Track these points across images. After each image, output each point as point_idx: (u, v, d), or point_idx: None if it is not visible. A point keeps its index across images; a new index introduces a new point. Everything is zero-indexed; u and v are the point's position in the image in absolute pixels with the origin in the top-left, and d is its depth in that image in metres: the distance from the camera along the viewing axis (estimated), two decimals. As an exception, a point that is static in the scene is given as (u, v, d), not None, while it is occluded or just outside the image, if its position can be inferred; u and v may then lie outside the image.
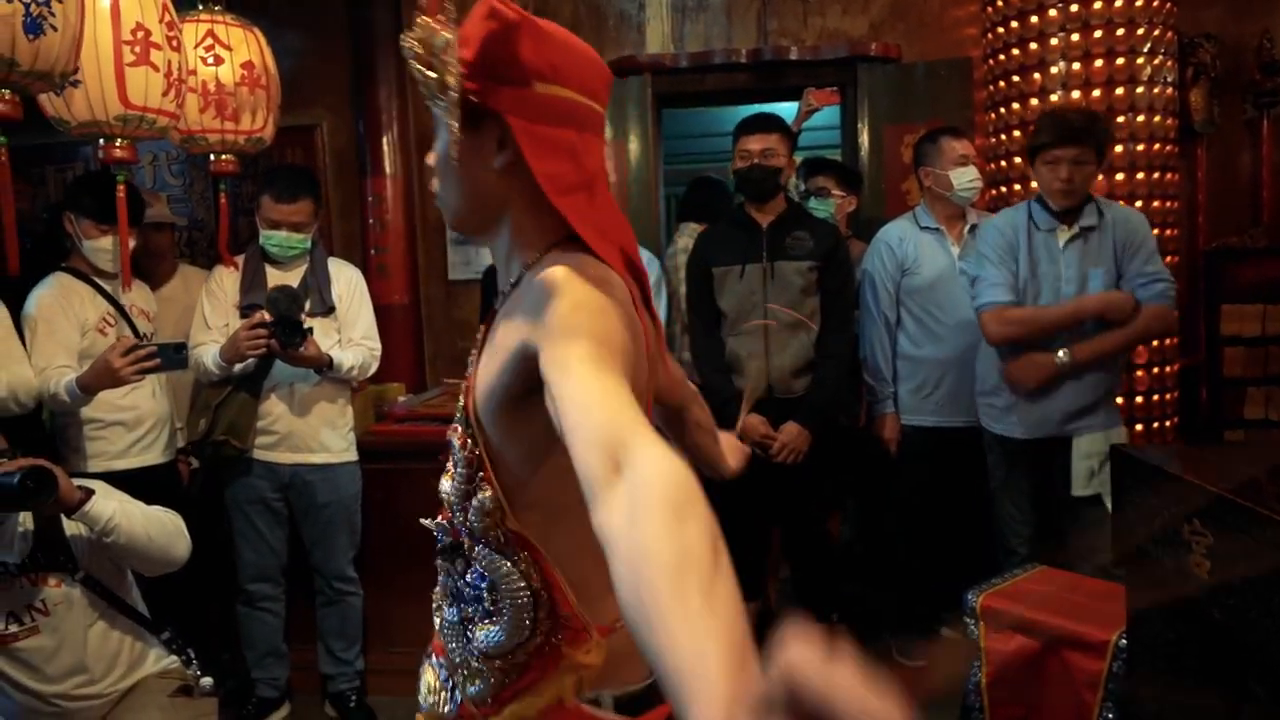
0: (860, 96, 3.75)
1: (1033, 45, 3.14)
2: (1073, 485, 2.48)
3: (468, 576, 0.99)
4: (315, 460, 2.60)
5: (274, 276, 2.61)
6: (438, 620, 1.07)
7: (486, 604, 0.97)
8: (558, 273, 0.86)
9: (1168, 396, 3.20)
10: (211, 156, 2.60)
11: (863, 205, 3.38)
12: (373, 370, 2.69)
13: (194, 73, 2.39)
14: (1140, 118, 3.05)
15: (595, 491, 0.64)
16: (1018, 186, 3.25)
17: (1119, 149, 3.02)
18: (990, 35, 3.34)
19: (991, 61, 3.35)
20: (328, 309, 2.59)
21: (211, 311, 2.59)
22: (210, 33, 2.50)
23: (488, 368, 0.94)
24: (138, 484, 2.18)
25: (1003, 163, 3.32)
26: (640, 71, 3.78)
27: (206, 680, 2.05)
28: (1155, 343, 3.10)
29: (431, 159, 1.02)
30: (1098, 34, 3.02)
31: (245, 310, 2.55)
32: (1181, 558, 1.37)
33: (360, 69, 3.98)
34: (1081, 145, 2.43)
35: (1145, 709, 1.62)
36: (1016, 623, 2.03)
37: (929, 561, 2.97)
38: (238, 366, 2.47)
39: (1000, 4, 3.25)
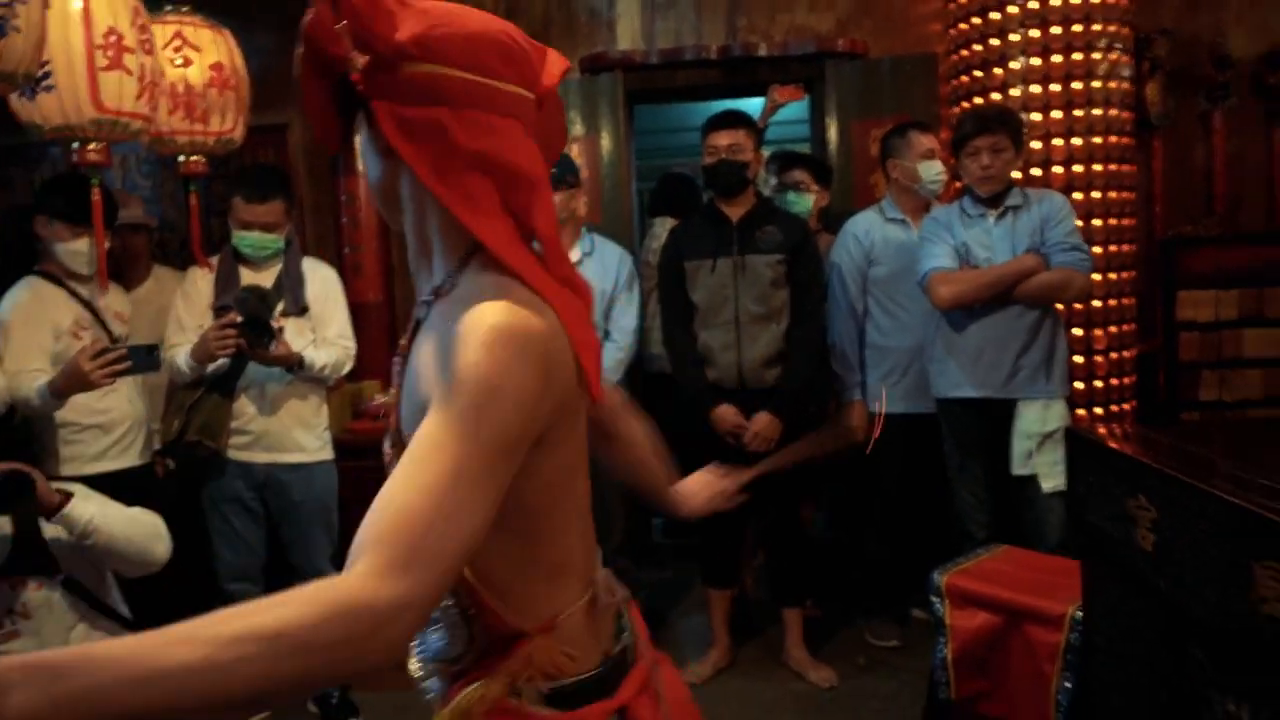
0: (828, 92, 3.81)
1: (994, 41, 3.22)
2: (1011, 464, 2.61)
3: None
4: (290, 460, 2.61)
5: (248, 277, 2.62)
6: None
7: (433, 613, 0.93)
8: (477, 328, 0.78)
9: (1126, 380, 3.30)
10: (181, 158, 2.61)
11: (831, 199, 3.45)
12: (348, 369, 2.71)
13: (163, 74, 2.39)
14: (1098, 111, 3.15)
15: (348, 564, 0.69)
16: (980, 179, 3.33)
17: (1078, 141, 3.12)
18: (953, 31, 3.42)
19: (955, 57, 3.43)
20: (301, 309, 2.60)
21: (187, 312, 2.59)
22: (179, 34, 2.51)
23: (410, 395, 0.89)
24: (115, 487, 2.19)
25: (966, 156, 3.40)
26: (611, 68, 3.83)
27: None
28: (1114, 328, 3.21)
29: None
30: (1056, 30, 3.11)
31: (219, 311, 2.56)
32: (1129, 532, 1.44)
33: (331, 68, 3.99)
34: (996, 134, 2.61)
35: (1100, 677, 1.69)
36: (980, 599, 2.11)
37: (899, 545, 3.06)
38: (210, 367, 2.48)
39: (962, 0, 3.33)
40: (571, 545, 0.95)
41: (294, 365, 2.53)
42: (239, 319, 2.43)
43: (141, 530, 1.96)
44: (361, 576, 0.67)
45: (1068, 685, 1.91)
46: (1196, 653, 1.28)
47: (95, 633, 1.97)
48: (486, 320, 0.79)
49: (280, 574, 2.72)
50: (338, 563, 2.72)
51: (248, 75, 2.69)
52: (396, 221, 0.96)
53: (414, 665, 1.03)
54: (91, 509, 1.87)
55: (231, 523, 2.61)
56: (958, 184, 3.45)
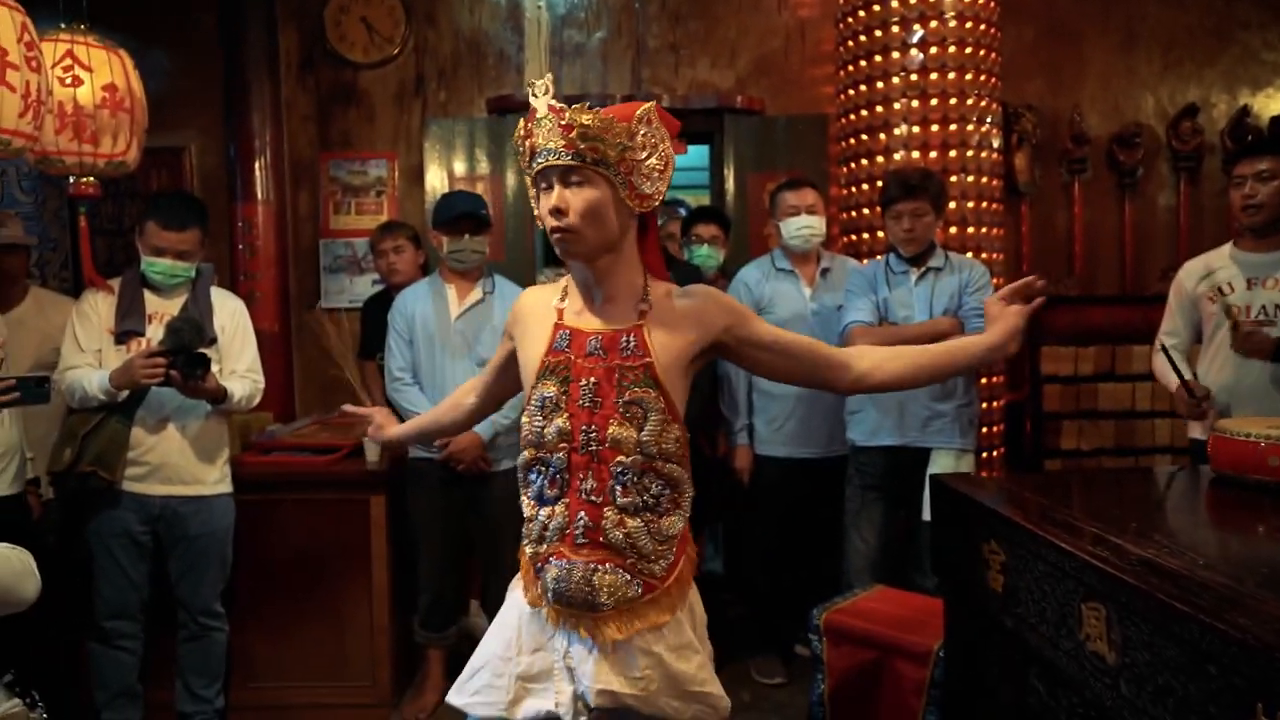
0: (726, 145, 4.00)
1: (879, 108, 3.46)
2: (923, 510, 2.73)
3: (654, 488, 1.43)
4: (189, 492, 2.53)
5: (153, 303, 2.54)
6: (612, 539, 1.42)
7: (668, 502, 1.45)
8: (705, 289, 1.54)
9: (995, 429, 3.54)
10: (71, 179, 2.53)
11: (728, 249, 3.60)
12: (256, 402, 2.66)
13: (50, 93, 2.33)
14: (970, 178, 3.41)
15: (848, 360, 1.54)
16: (866, 235, 3.55)
17: (952, 205, 3.36)
18: (843, 96, 3.65)
19: (844, 120, 3.66)
20: (209, 340, 2.55)
21: (84, 335, 2.49)
22: (69, 53, 2.43)
23: (669, 346, 1.44)
24: (-16, 517, 2.10)
25: (854, 212, 3.62)
26: (518, 110, 3.90)
27: (53, 723, 1.98)
28: (984, 380, 3.45)
29: (573, 202, 1.38)
30: (934, 101, 3.36)
31: (120, 336, 2.48)
32: (982, 573, 1.57)
33: (233, 91, 3.93)
34: (918, 199, 2.77)
35: (958, 711, 1.82)
36: (855, 636, 2.23)
37: (784, 583, 3.18)
38: (123, 394, 2.41)
39: (852, 68, 3.56)
40: None
41: (218, 398, 2.47)
42: (168, 348, 2.36)
43: (9, 567, 1.87)
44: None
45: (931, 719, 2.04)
46: (1036, 684, 1.41)
47: (-49, 675, 1.87)
48: (698, 286, 1.57)
49: (160, 610, 2.62)
50: (225, 598, 2.66)
51: (144, 97, 2.63)
52: (604, 251, 1.44)
53: (614, 593, 1.44)
54: (-45, 545, 1.78)
55: (116, 558, 2.50)
56: (846, 238, 3.66)
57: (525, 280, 3.57)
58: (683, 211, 3.84)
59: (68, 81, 2.42)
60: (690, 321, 1.46)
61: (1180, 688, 1.02)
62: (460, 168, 3.97)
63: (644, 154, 1.39)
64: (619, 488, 1.42)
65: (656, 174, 1.42)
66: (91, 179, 2.53)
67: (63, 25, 2.48)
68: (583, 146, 1.35)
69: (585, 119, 1.34)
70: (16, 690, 1.97)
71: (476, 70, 4.19)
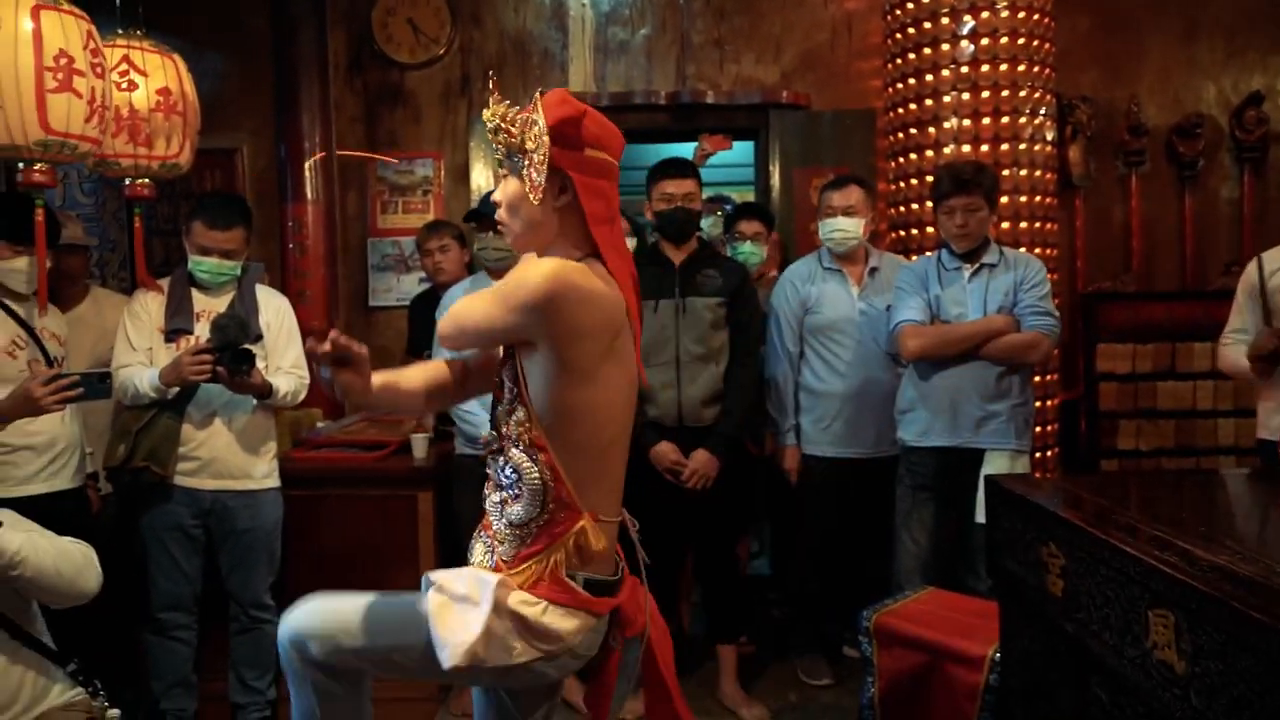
0: (771, 141, 3.96)
1: (928, 101, 3.39)
2: (976, 512, 2.65)
3: (505, 470, 1.41)
4: (238, 486, 2.58)
5: (200, 301, 2.60)
6: (487, 504, 1.47)
7: (514, 489, 1.40)
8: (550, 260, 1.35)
9: (1049, 428, 3.46)
10: (127, 181, 2.59)
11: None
12: (302, 397, 2.70)
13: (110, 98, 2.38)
14: (1023, 172, 3.33)
15: None
16: (915, 231, 3.49)
17: (1004, 200, 3.28)
18: (891, 90, 3.59)
19: (892, 114, 3.60)
20: (255, 337, 2.60)
21: (135, 334, 2.56)
22: (126, 58, 2.49)
23: None
24: (46, 510, 2.15)
25: (902, 208, 3.56)
26: (563, 109, 3.90)
27: (113, 712, 2.02)
28: (1037, 378, 3.36)
29: (500, 196, 1.42)
30: (985, 94, 3.29)
31: (170, 334, 2.53)
32: (1040, 577, 1.53)
33: (284, 94, 3.99)
34: (971, 194, 2.69)
35: (1015, 717, 1.78)
36: (906, 640, 2.19)
37: (832, 584, 3.14)
38: (173, 390, 2.46)
39: (900, 61, 3.50)
40: (617, 476, 1.47)
41: (264, 393, 2.52)
42: (214, 345, 2.41)
43: (71, 562, 1.92)
44: None
45: (985, 725, 1.99)
46: (1099, 693, 1.37)
47: (16, 664, 1.91)
48: (564, 262, 1.37)
49: (213, 603, 2.67)
50: (276, 591, 2.70)
51: (197, 100, 2.68)
52: (535, 246, 1.44)
53: (479, 557, 1.47)
54: (19, 539, 1.82)
55: (170, 551, 2.56)
56: (894, 234, 3.60)
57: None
58: (728, 208, 3.80)
59: (124, 86, 2.48)
60: None
61: (1256, 700, 0.98)
62: (505, 166, 3.99)
63: (530, 144, 1.35)
64: (490, 458, 1.47)
65: (538, 160, 1.34)
66: (146, 181, 2.59)
67: (119, 31, 2.54)
68: (498, 138, 1.38)
69: (490, 110, 1.38)
70: (80, 679, 2.03)
71: (521, 69, 4.21)
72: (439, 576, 1.42)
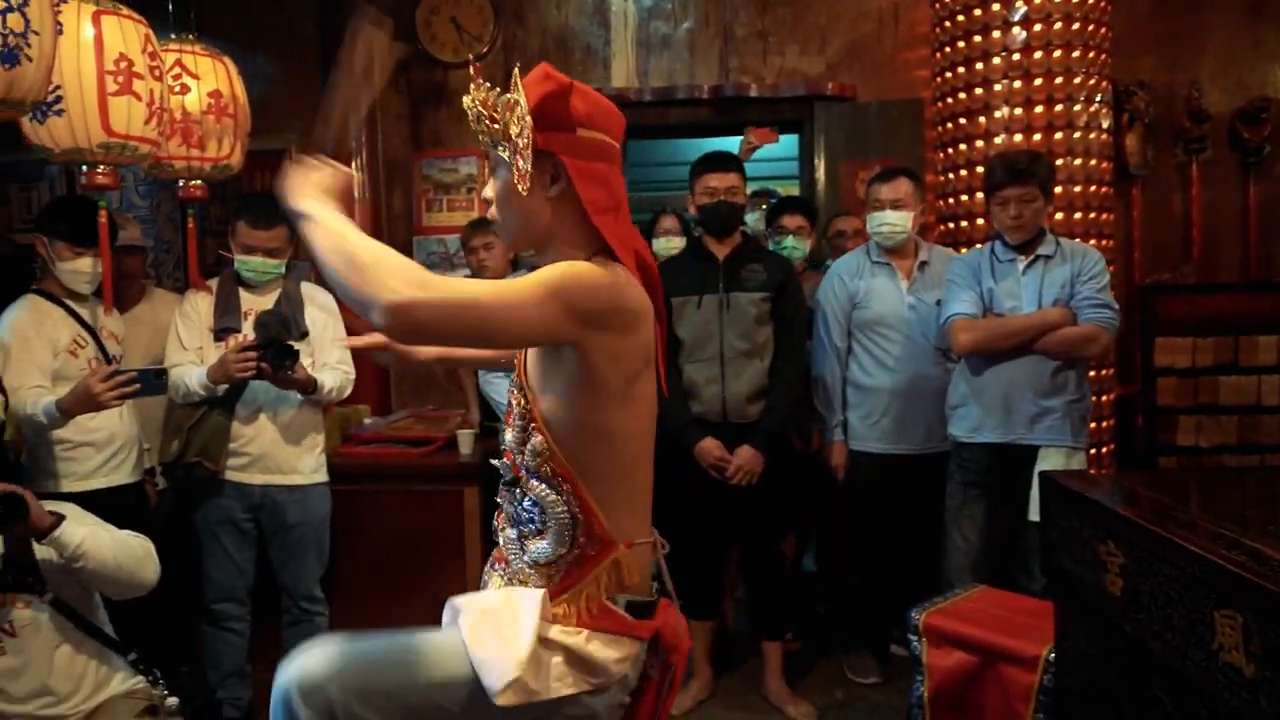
0: (816, 133, 3.91)
1: (978, 90, 3.31)
2: (1030, 510, 2.57)
3: (524, 504, 1.27)
4: (287, 481, 2.63)
5: (247, 300, 2.65)
6: (500, 539, 1.34)
7: (538, 524, 1.25)
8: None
9: (1105, 424, 3.36)
10: (180, 182, 2.65)
11: (817, 239, 3.53)
12: (348, 393, 2.74)
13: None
14: (1078, 161, 3.24)
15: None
16: (964, 223, 3.41)
17: (1057, 190, 3.19)
18: (939, 79, 3.51)
19: (940, 104, 3.52)
20: (301, 334, 2.64)
21: (186, 333, 2.62)
22: (178, 62, 2.54)
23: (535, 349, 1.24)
24: (106, 504, 2.22)
25: (951, 200, 3.48)
26: (605, 104, 3.90)
27: (172, 700, 2.08)
28: (1093, 373, 3.27)
29: (490, 192, 1.30)
30: (1037, 81, 3.20)
31: (219, 334, 2.59)
32: (1098, 576, 1.49)
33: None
34: (1025, 185, 2.61)
35: (1071, 718, 1.73)
36: (956, 639, 2.14)
37: (878, 581, 3.09)
38: (220, 388, 2.52)
39: (948, 50, 3.43)
40: (647, 495, 1.31)
41: (308, 389, 2.56)
42: (258, 342, 2.46)
43: (131, 555, 1.97)
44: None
45: (1040, 727, 1.95)
46: (1161, 696, 1.32)
47: (80, 653, 1.98)
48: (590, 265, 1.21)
49: (266, 595, 2.72)
50: (326, 584, 2.75)
51: (247, 102, 2.73)
52: (533, 243, 1.30)
53: (497, 581, 1.33)
54: (82, 532, 1.88)
55: (223, 543, 2.62)
56: (943, 226, 3.54)
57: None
58: (773, 202, 3.76)
59: (177, 89, 2.53)
60: None
61: (1332, 706, 0.94)
62: (549, 163, 4.00)
63: (514, 128, 1.19)
64: (503, 489, 1.33)
65: (523, 145, 1.19)
66: (199, 182, 2.65)
67: (172, 35, 2.59)
68: (480, 126, 1.23)
69: (470, 96, 1.22)
70: (140, 668, 2.08)
71: (564, 66, 4.20)
72: (467, 598, 1.28)
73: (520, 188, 1.19)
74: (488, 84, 1.22)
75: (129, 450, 2.56)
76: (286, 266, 2.69)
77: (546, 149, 1.19)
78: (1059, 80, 3.20)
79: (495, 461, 1.35)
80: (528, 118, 1.17)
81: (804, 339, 2.98)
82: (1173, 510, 1.44)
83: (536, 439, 1.22)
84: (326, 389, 2.62)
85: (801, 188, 4.16)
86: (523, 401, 1.25)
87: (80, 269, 2.42)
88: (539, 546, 1.25)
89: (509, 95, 1.19)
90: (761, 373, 2.79)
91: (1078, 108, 3.22)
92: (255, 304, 2.65)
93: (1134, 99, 3.92)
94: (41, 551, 1.90)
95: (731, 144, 3.91)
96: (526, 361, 1.27)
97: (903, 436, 2.96)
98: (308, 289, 2.75)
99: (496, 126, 1.20)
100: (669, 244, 3.58)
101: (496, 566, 1.36)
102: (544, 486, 1.23)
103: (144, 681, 2.08)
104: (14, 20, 1.68)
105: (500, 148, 1.22)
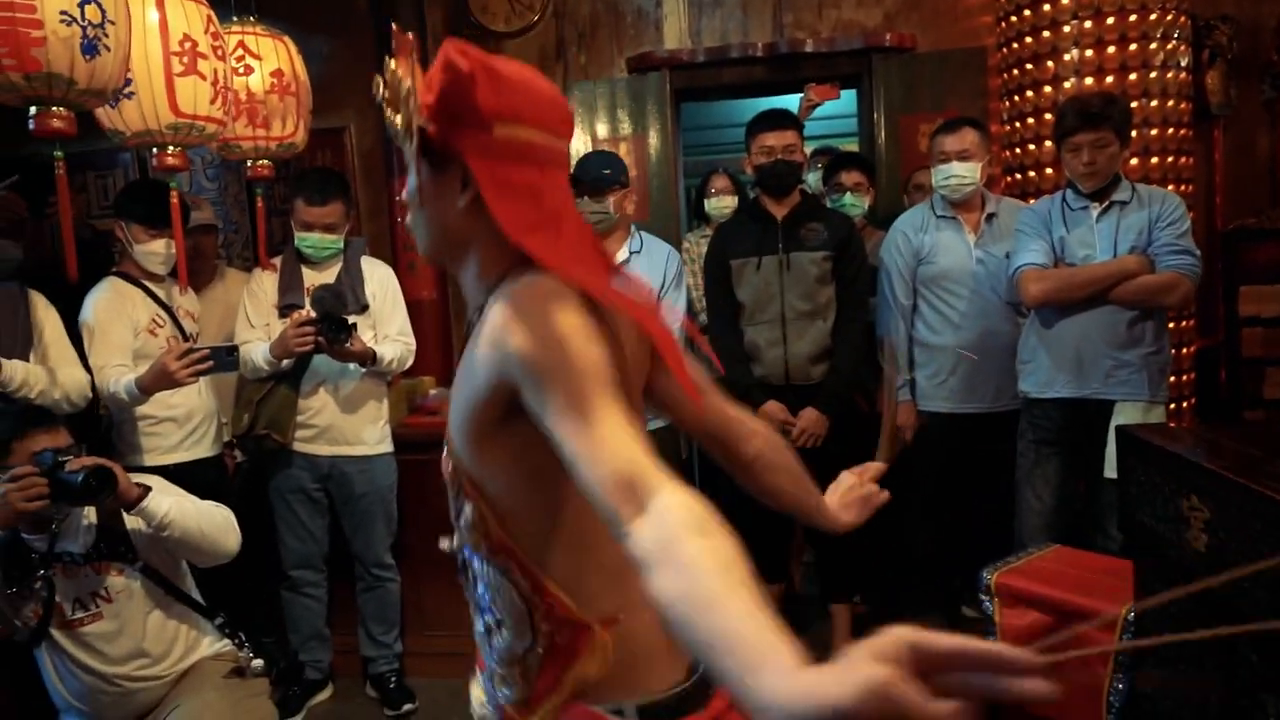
0: (875, 87, 3.79)
1: (1045, 33, 3.17)
2: (1106, 467, 2.48)
3: (477, 589, 1.04)
4: (353, 452, 2.71)
5: (309, 276, 2.72)
6: (475, 635, 1.10)
7: (495, 613, 1.01)
8: (519, 302, 0.88)
9: (1185, 378, 3.23)
10: (247, 162, 2.71)
11: (879, 195, 3.44)
12: (409, 364, 2.80)
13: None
14: (1154, 102, 3.09)
15: (625, 529, 0.73)
16: (1032, 174, 3.29)
17: (1133, 134, 3.05)
18: (1004, 24, 3.38)
19: (1005, 50, 3.39)
20: (362, 307, 2.70)
21: (254, 311, 2.71)
22: (241, 43, 2.60)
23: (459, 397, 0.96)
24: (189, 477, 2.31)
25: (1018, 150, 3.36)
26: (658, 67, 3.86)
27: (258, 662, 2.16)
28: (1172, 324, 3.14)
29: (404, 194, 1.04)
30: (1110, 20, 3.05)
31: (284, 310, 2.66)
32: (1181, 532, 1.43)
33: (385, 70, 4.08)
34: (1099, 129, 2.49)
35: (1151, 679, 1.69)
36: (1030, 599, 2.10)
37: (949, 543, 3.04)
38: (285, 362, 2.59)
39: (1013, -7, 3.29)
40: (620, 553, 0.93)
41: (366, 360, 2.62)
42: (315, 317, 2.52)
43: (214, 524, 2.06)
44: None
45: (1120, 687, 1.90)
46: (1249, 655, 1.27)
47: (170, 617, 2.08)
48: (528, 293, 0.90)
49: (340, 562, 2.82)
50: (396, 551, 2.83)
51: (308, 80, 2.78)
52: (448, 257, 1.03)
53: (478, 708, 1.11)
54: (168, 503, 1.97)
55: (296, 512, 2.72)
56: (1009, 178, 3.41)
57: (671, 240, 3.55)
58: (830, 159, 3.67)
59: (240, 70, 2.58)
60: (483, 355, 0.91)
61: None
62: (602, 129, 3.97)
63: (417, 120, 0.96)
64: (462, 578, 1.08)
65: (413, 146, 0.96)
66: (266, 161, 2.71)
67: (234, 18, 2.64)
68: (386, 117, 0.98)
69: (378, 78, 0.98)
70: (227, 632, 2.18)
71: (615, 30, 4.16)
72: None
73: (403, 194, 1.01)
74: (396, 65, 0.95)
75: (208, 425, 2.66)
76: (344, 242, 2.74)
77: (450, 150, 0.94)
78: (1133, 17, 3.04)
79: (444, 544, 1.10)
80: (422, 112, 0.92)
81: (867, 298, 2.92)
82: (1262, 463, 1.38)
83: (468, 507, 0.99)
84: (386, 360, 2.67)
85: (861, 144, 4.05)
86: (450, 463, 1.01)
87: (155, 250, 2.51)
88: (500, 640, 1.02)
89: (406, 82, 0.93)
90: (824, 333, 2.75)
91: (1154, 45, 3.06)
92: (316, 279, 2.71)
93: (1215, 34, 3.70)
94: (131, 522, 1.99)
95: (788, 102, 3.82)
96: (451, 415, 0.99)
97: (972, 395, 2.89)
98: (367, 263, 2.80)
99: (399, 119, 0.95)
100: (720, 204, 3.54)
101: (477, 674, 1.15)
102: (487, 566, 1.00)
103: (231, 645, 2.17)
104: (91, 12, 1.73)
105: (405, 144, 0.97)
